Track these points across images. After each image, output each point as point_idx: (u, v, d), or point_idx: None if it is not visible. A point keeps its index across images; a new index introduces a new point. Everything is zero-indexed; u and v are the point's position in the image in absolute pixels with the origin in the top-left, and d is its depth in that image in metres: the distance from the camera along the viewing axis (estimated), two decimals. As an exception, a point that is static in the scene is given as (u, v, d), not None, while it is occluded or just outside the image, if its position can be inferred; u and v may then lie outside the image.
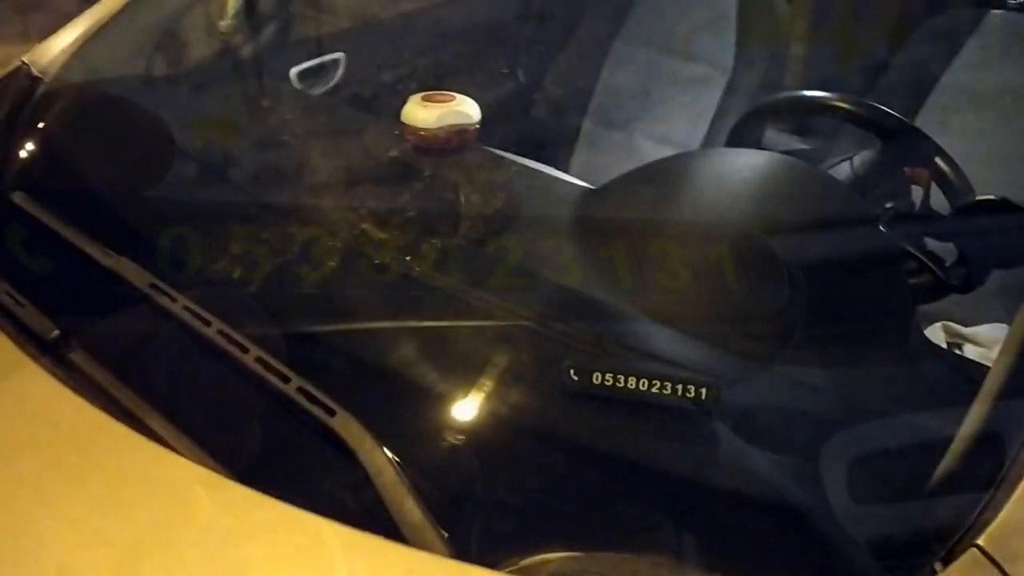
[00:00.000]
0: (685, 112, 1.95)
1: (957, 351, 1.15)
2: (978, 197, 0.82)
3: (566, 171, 2.01)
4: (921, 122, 1.62)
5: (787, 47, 2.00)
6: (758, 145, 1.93)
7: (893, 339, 0.85)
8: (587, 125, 2.05)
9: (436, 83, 1.35)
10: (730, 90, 1.86)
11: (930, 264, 0.75)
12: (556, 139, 2.05)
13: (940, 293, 0.84)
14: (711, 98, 1.95)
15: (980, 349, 1.19)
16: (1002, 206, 0.70)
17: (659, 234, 0.93)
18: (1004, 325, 1.21)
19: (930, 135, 1.38)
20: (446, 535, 0.62)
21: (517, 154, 1.24)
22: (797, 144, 2.19)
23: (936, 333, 1.24)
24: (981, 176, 1.11)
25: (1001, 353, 0.68)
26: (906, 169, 0.97)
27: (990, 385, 0.66)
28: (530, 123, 2.08)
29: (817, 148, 2.05)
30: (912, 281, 0.91)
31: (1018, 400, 0.64)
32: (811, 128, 2.21)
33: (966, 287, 0.78)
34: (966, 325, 1.21)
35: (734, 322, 0.84)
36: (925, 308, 0.99)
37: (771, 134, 2.15)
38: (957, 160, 1.05)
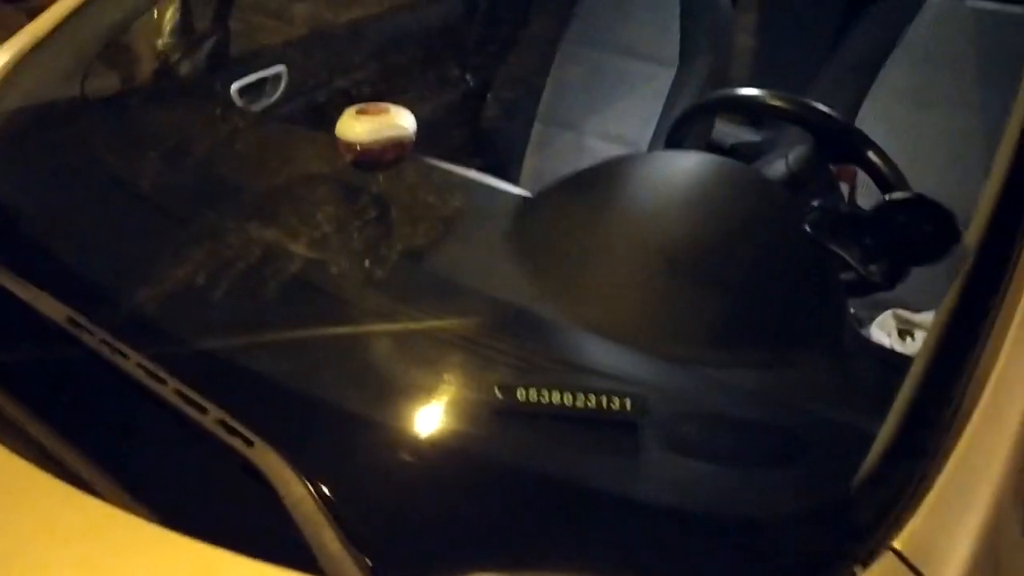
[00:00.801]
0: (634, 110, 1.95)
1: (909, 338, 1.16)
2: (891, 196, 0.82)
3: (518, 174, 2.02)
4: (865, 115, 1.64)
5: (732, 40, 2.01)
6: (707, 138, 1.95)
7: (825, 339, 0.85)
8: (538, 127, 2.05)
9: (381, 92, 1.34)
10: (676, 86, 1.86)
11: (852, 263, 0.75)
12: (507, 142, 2.04)
13: (865, 290, 0.84)
14: (660, 95, 1.95)
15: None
16: (917, 203, 0.70)
17: (590, 242, 0.93)
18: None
19: (874, 128, 1.39)
20: (369, 563, 0.61)
21: (469, 159, 1.24)
22: (748, 135, 2.20)
23: (887, 321, 1.25)
24: (924, 171, 1.12)
25: (920, 354, 0.68)
26: (832, 167, 0.97)
27: (910, 386, 0.66)
28: (481, 127, 2.07)
29: (767, 139, 2.06)
30: (844, 277, 0.91)
31: (936, 401, 0.64)
32: (759, 119, 2.23)
33: (889, 284, 0.78)
34: (919, 311, 1.22)
35: (665, 329, 0.84)
36: (878, 295, 1.00)
37: (722, 126, 2.17)
38: (902, 154, 1.06)
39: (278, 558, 0.60)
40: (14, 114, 1.24)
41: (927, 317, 1.23)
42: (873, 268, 0.74)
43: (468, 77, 2.09)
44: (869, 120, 1.61)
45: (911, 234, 0.70)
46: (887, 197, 0.76)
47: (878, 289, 0.91)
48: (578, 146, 1.98)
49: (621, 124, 1.95)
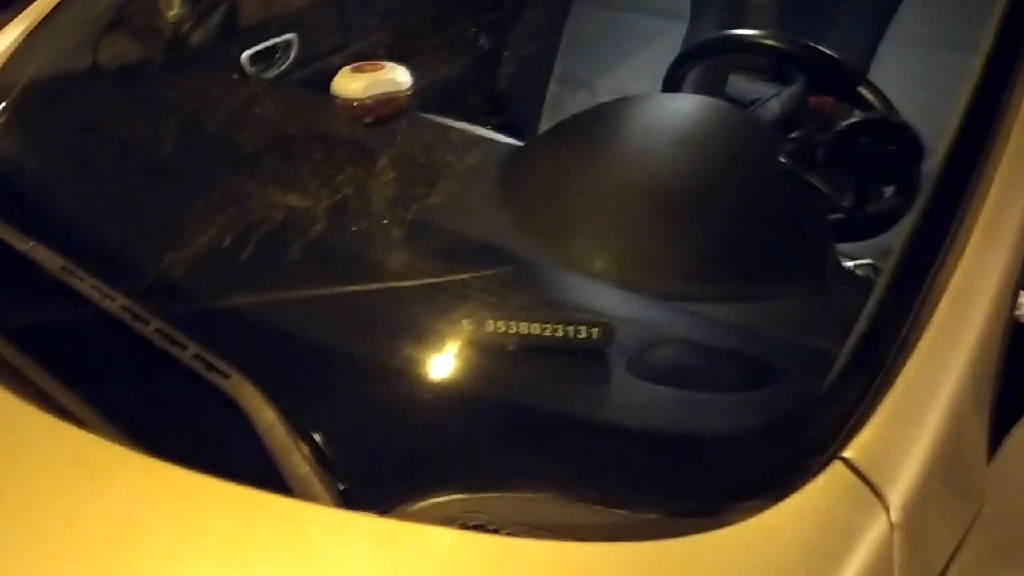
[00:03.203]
0: (648, 67, 1.94)
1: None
2: (854, 118, 0.81)
3: (535, 133, 2.02)
4: (880, 60, 1.61)
5: (743, -7, 1.99)
6: (722, 91, 1.93)
7: (806, 272, 0.85)
8: (553, 86, 2.05)
9: (393, 56, 1.36)
10: (688, 40, 1.84)
11: (824, 189, 0.75)
12: (523, 101, 2.04)
13: (853, 233, 0.84)
14: (673, 50, 1.93)
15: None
16: (880, 123, 0.69)
17: (576, 183, 0.94)
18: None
19: (890, 73, 1.37)
20: (340, 487, 0.63)
21: (485, 119, 1.25)
22: (767, 89, 2.17)
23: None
24: (940, 116, 1.10)
25: (883, 272, 0.68)
26: (809, 99, 0.96)
27: (868, 306, 0.66)
28: (496, 87, 2.07)
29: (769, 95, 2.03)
30: (834, 217, 0.91)
31: (891, 316, 0.64)
32: (780, 72, 2.19)
33: (855, 210, 0.78)
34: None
35: (645, 265, 0.85)
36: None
37: (739, 81, 2.14)
38: (917, 98, 1.05)
39: (254, 482, 0.63)
40: (29, 84, 1.28)
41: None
42: (843, 194, 0.74)
43: (482, 37, 2.08)
44: (885, 64, 1.58)
45: (875, 155, 0.70)
46: (847, 120, 0.76)
47: (868, 224, 0.90)
48: (592, 104, 1.97)
49: (635, 81, 1.94)
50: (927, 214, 0.67)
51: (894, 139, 0.68)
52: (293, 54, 1.70)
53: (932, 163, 0.69)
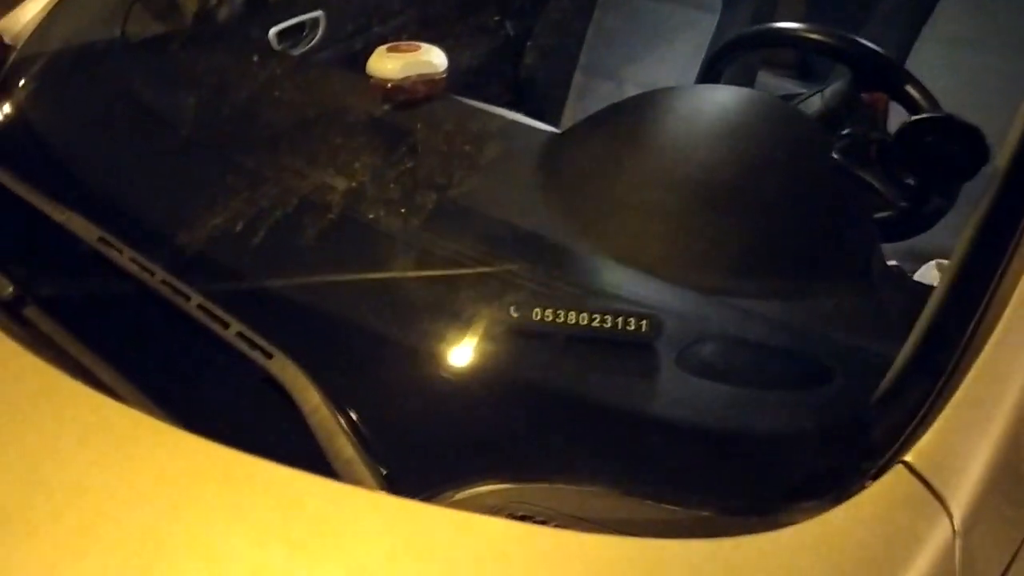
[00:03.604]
0: (675, 58, 1.92)
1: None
2: (918, 115, 0.80)
3: (558, 124, 2.00)
4: (922, 61, 1.59)
5: (777, -15, 1.97)
6: (739, 83, 1.91)
7: (852, 270, 0.84)
8: (578, 76, 2.03)
9: (419, 38, 1.34)
10: (719, 32, 1.83)
11: (879, 187, 0.73)
12: (547, 91, 2.02)
13: (899, 231, 0.82)
14: (702, 42, 1.92)
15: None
16: (945, 122, 0.68)
17: (620, 173, 0.92)
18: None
19: (931, 74, 1.34)
20: (383, 471, 0.62)
21: (509, 107, 1.23)
22: (793, 87, 2.15)
23: (930, 272, 1.22)
24: (980, 117, 1.08)
25: (943, 275, 0.67)
26: (863, 95, 0.95)
27: (929, 308, 0.65)
28: (520, 76, 2.06)
29: (809, 89, 2.01)
30: (881, 215, 0.90)
31: (955, 319, 0.63)
32: (810, 69, 2.18)
33: (915, 207, 0.76)
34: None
35: (692, 259, 0.83)
36: (920, 246, 0.98)
37: (767, 77, 2.13)
38: (958, 99, 1.03)
39: (297, 463, 0.61)
40: (57, 54, 1.27)
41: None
42: (900, 192, 0.72)
43: (508, 25, 2.07)
44: (926, 65, 1.56)
45: (938, 153, 0.68)
46: (913, 117, 0.74)
47: (911, 224, 0.89)
48: (618, 95, 1.95)
49: (662, 72, 1.92)
50: (992, 215, 0.65)
51: (960, 139, 0.67)
52: (320, 32, 1.69)
53: (997, 161, 0.68)
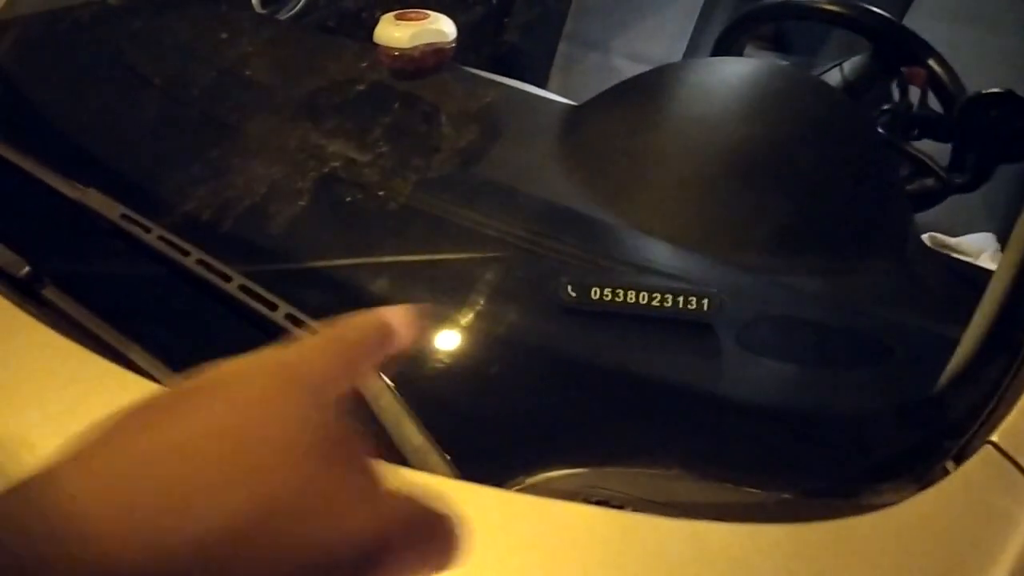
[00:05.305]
0: (663, 28, 1.90)
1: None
2: (980, 91, 0.79)
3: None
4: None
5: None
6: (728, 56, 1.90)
7: (889, 246, 0.83)
8: (562, 46, 2.00)
9: (403, 6, 1.29)
10: (711, 2, 1.81)
11: (929, 163, 0.73)
12: (530, 62, 1.99)
13: (940, 195, 0.82)
14: (690, 12, 1.90)
15: (966, 258, 1.18)
16: (1008, 98, 0.67)
17: (648, 147, 0.90)
18: (990, 234, 1.20)
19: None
20: (449, 457, 0.60)
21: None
22: (773, 59, 2.15)
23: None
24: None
25: (1009, 248, 0.66)
26: (903, 69, 0.94)
27: (997, 282, 0.64)
28: (502, 46, 2.02)
29: (798, 63, 2.01)
30: (911, 187, 0.89)
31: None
32: (791, 43, 2.17)
33: (972, 185, 0.76)
34: (951, 235, 1.20)
35: (728, 234, 0.82)
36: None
37: (750, 51, 2.12)
38: None
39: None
40: (35, 17, 1.20)
41: (963, 241, 1.22)
42: (952, 170, 0.71)
43: (490, -8, 2.02)
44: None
45: (1001, 130, 0.68)
46: (975, 92, 0.73)
47: (943, 197, 0.89)
48: (605, 66, 1.93)
49: (650, 43, 1.90)
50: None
51: (1022, 114, 0.66)
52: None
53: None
